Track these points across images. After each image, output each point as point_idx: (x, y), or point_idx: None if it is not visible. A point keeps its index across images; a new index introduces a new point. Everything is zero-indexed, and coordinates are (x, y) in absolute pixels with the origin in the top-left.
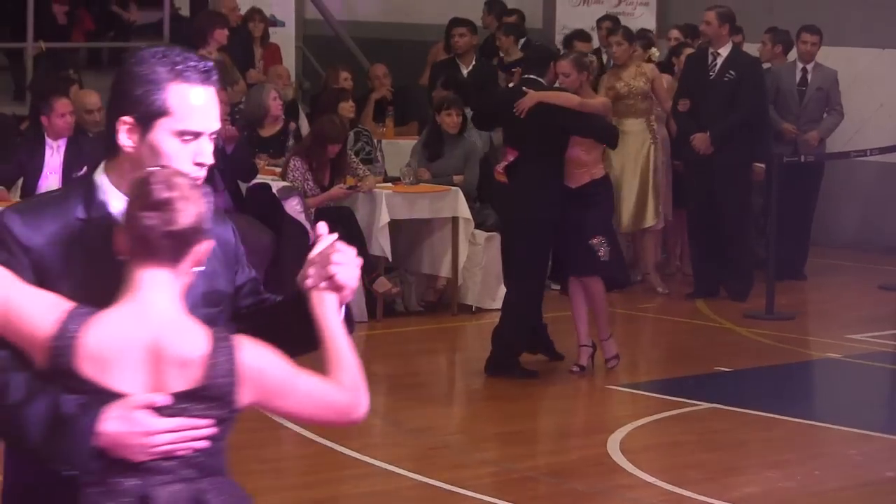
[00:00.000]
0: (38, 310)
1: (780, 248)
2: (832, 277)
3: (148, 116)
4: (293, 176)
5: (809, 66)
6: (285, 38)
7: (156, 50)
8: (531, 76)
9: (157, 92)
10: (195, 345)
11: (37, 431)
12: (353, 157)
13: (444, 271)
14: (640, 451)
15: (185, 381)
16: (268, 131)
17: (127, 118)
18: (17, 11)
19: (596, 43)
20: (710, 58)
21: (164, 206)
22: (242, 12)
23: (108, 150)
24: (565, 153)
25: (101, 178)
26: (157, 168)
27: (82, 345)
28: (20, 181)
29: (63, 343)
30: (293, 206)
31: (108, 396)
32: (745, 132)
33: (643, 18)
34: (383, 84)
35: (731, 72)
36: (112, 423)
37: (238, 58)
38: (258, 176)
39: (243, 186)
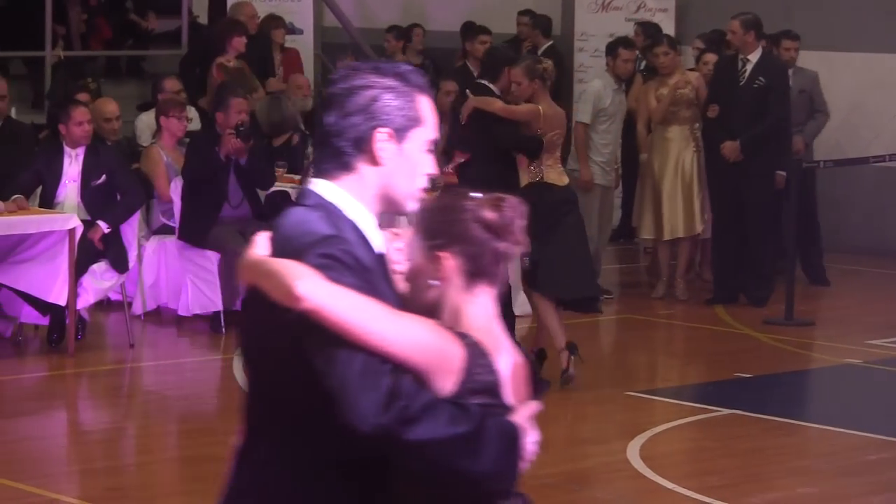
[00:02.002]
0: (433, 336)
1: (805, 255)
2: (852, 283)
3: (405, 127)
4: None
5: (790, 71)
6: (303, 46)
7: (384, 65)
8: (483, 81)
9: (412, 103)
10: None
11: (491, 455)
12: None
13: None
14: (660, 458)
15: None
16: (278, 140)
17: (384, 129)
18: (35, 20)
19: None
20: (740, 64)
21: (510, 230)
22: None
23: (342, 165)
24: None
25: (340, 196)
26: (477, 194)
27: (497, 370)
28: (39, 190)
29: (482, 367)
30: None
31: (504, 411)
32: (774, 139)
33: (662, 25)
34: None
35: (761, 78)
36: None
37: (256, 66)
38: (276, 184)
39: (261, 194)
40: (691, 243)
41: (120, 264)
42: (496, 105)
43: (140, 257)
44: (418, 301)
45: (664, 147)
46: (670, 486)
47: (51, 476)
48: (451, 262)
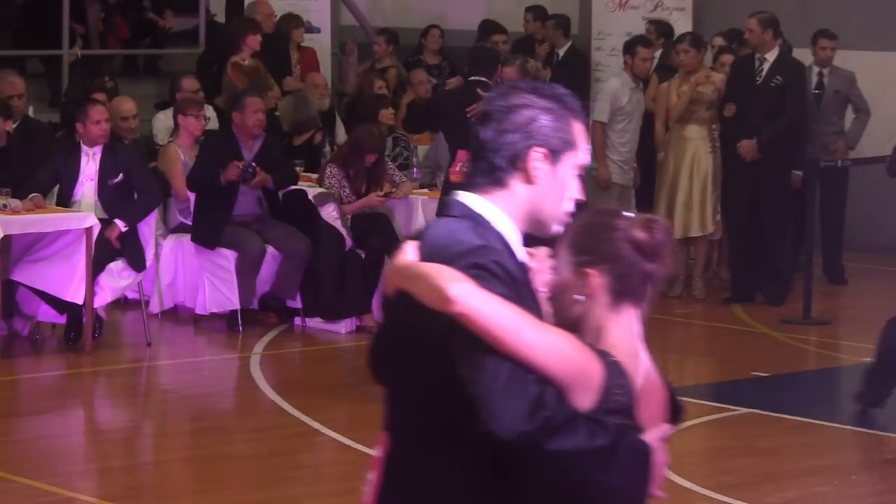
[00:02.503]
0: (575, 351)
1: (827, 254)
2: (870, 282)
3: (559, 149)
4: (330, 183)
5: (826, 70)
6: (321, 45)
7: (543, 86)
8: (479, 78)
9: (567, 126)
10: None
11: (624, 472)
12: (390, 163)
13: None
14: (677, 457)
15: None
16: (298, 139)
17: (540, 149)
18: (53, 19)
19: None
20: (757, 63)
21: (659, 251)
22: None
23: (495, 181)
24: None
25: (490, 209)
26: (629, 214)
27: (634, 391)
28: (56, 188)
29: (620, 388)
30: (329, 213)
31: (637, 432)
32: (790, 138)
33: (680, 23)
34: (426, 90)
35: (778, 77)
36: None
37: (273, 64)
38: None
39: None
40: (708, 242)
41: (137, 263)
42: None
43: (157, 256)
44: (562, 316)
45: (681, 146)
46: (687, 484)
47: (67, 474)
48: (597, 280)
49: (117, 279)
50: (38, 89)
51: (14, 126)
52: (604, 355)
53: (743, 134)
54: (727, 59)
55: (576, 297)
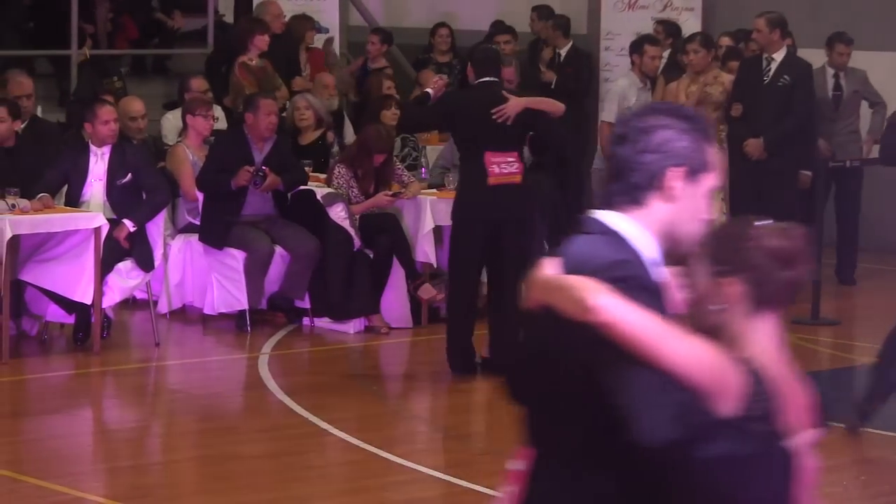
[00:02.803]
0: (717, 359)
1: (841, 255)
2: (878, 282)
3: (697, 169)
4: (338, 183)
5: (842, 73)
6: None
7: (676, 107)
8: (491, 78)
9: (702, 148)
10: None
11: (770, 478)
12: (398, 164)
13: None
14: None
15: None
16: (305, 139)
17: (678, 169)
18: (61, 19)
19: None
20: (765, 63)
21: (797, 258)
22: (287, 20)
23: (633, 199)
24: None
25: (628, 226)
26: (765, 222)
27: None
28: (65, 188)
29: (760, 395)
30: (337, 213)
31: (780, 439)
32: (797, 138)
33: (689, 24)
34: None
35: (786, 77)
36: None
37: (281, 64)
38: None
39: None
40: None
41: (145, 263)
42: (561, 107)
43: (165, 256)
44: (700, 326)
45: None
46: None
47: (76, 474)
48: (736, 289)
49: (126, 279)
50: (47, 89)
51: (23, 126)
52: (744, 363)
53: (750, 133)
54: (734, 65)
55: (714, 306)
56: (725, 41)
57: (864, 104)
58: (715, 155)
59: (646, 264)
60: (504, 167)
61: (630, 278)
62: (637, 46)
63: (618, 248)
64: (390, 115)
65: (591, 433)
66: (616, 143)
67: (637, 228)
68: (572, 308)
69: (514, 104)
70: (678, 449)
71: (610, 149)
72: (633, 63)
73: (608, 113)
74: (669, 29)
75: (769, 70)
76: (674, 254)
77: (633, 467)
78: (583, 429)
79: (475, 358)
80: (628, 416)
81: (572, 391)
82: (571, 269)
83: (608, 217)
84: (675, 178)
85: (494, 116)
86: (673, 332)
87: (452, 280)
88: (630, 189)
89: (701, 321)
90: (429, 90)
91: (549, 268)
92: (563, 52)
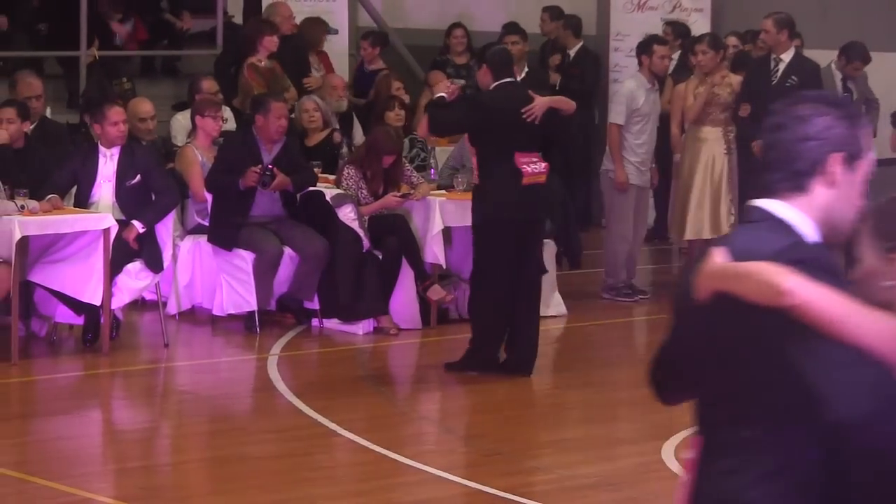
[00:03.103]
0: None
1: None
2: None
3: (855, 155)
4: (347, 184)
5: (850, 84)
6: (339, 46)
7: (830, 95)
8: (510, 79)
9: (858, 133)
10: None
11: None
12: (407, 165)
13: None
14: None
15: None
16: (311, 141)
17: (839, 154)
18: (71, 20)
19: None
20: (773, 63)
21: None
22: (298, 21)
23: (796, 186)
24: None
25: (792, 213)
26: None
27: None
28: (74, 189)
29: None
30: (346, 214)
31: None
32: None
33: (698, 24)
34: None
35: (794, 77)
36: None
37: (291, 65)
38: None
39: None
40: None
41: (154, 264)
42: (571, 104)
43: (174, 257)
44: (869, 302)
45: (696, 147)
46: None
47: (85, 475)
48: None
49: (135, 280)
50: (56, 90)
51: (32, 127)
52: None
53: (758, 134)
54: (734, 79)
55: (885, 282)
56: (732, 41)
57: None
58: (868, 140)
59: (818, 246)
60: (533, 167)
61: (809, 260)
62: (645, 47)
63: (787, 234)
64: (394, 117)
65: (772, 419)
66: (773, 132)
67: (799, 215)
68: (762, 293)
69: (541, 103)
70: (874, 421)
71: (765, 139)
72: (640, 63)
73: (616, 114)
74: (678, 30)
75: (777, 71)
76: (830, 240)
77: (820, 445)
78: (763, 414)
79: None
80: (823, 393)
81: (758, 375)
82: (742, 257)
83: (772, 205)
84: (835, 164)
85: (525, 116)
86: (860, 308)
87: (487, 281)
88: (793, 176)
89: (870, 298)
90: (443, 94)
91: (720, 257)
92: (573, 52)
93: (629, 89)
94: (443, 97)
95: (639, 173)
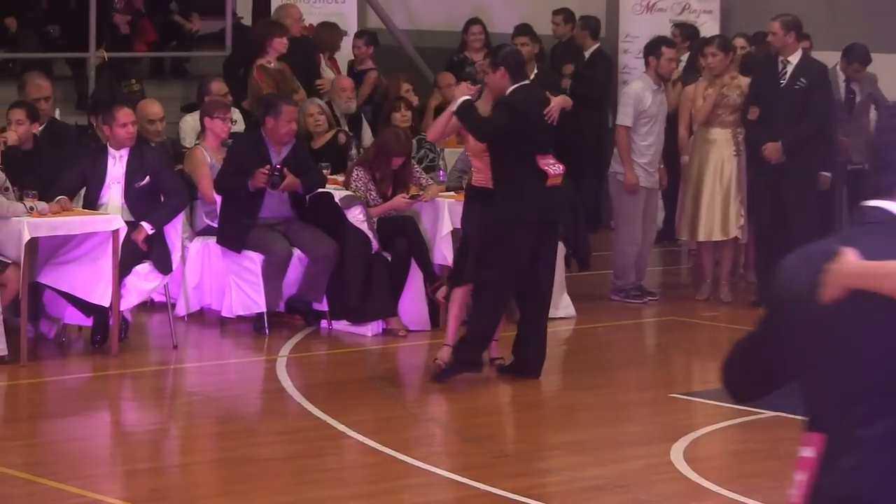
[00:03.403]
0: None
1: None
2: None
3: None
4: (356, 186)
5: (854, 85)
6: (348, 48)
7: None
8: (526, 81)
9: None
10: None
11: None
12: (416, 166)
13: None
14: (705, 460)
15: None
16: (317, 143)
17: None
18: (79, 21)
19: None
20: (780, 66)
21: None
22: (307, 22)
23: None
24: None
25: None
26: None
27: None
28: (83, 191)
29: None
30: (356, 216)
31: None
32: (816, 140)
33: (707, 26)
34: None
35: (802, 79)
36: None
37: (300, 67)
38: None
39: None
40: (735, 246)
41: (163, 265)
42: (569, 101)
43: (183, 258)
44: None
45: (705, 149)
46: (715, 488)
47: (94, 477)
48: None
49: (144, 282)
50: (65, 92)
51: (41, 129)
52: None
53: (768, 137)
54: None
55: None
56: (740, 42)
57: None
58: None
59: None
60: (555, 168)
61: None
62: (653, 48)
63: None
64: (400, 118)
65: None
66: (885, 134)
67: None
68: None
69: (557, 104)
70: None
71: (879, 140)
72: (647, 65)
73: (624, 116)
74: (687, 31)
75: (785, 73)
76: None
77: None
78: None
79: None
80: None
81: (892, 376)
82: (876, 257)
83: (885, 205)
84: None
85: (547, 118)
86: None
87: (499, 281)
88: (887, 175)
89: None
90: (468, 97)
91: (854, 257)
92: (588, 53)
93: (636, 91)
94: (470, 100)
95: (647, 175)
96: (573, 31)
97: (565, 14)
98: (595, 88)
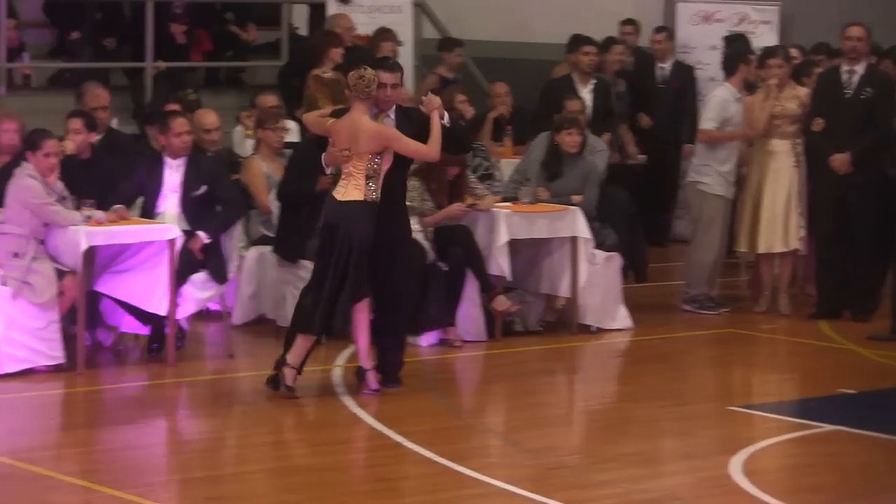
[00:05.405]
0: None
1: None
2: None
3: None
4: (411, 196)
5: None
6: (403, 58)
7: None
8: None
9: None
10: None
11: None
12: (472, 176)
13: (564, 291)
14: (763, 473)
15: None
16: None
17: None
18: (135, 31)
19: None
20: (846, 75)
21: None
22: (360, 31)
23: None
24: None
25: None
26: None
27: None
28: (140, 200)
29: None
30: (411, 226)
31: None
32: (880, 151)
33: (765, 37)
34: (504, 102)
35: (868, 89)
36: None
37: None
38: None
39: None
40: (794, 258)
41: (220, 275)
42: None
43: (239, 268)
44: None
45: (765, 160)
46: (773, 502)
47: (150, 485)
48: None
49: (200, 291)
50: (121, 101)
51: (98, 138)
52: None
53: (834, 148)
54: (801, 91)
55: None
56: (794, 52)
57: None
58: None
59: None
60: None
61: None
62: (743, 55)
63: None
64: None
65: None
66: None
67: None
68: None
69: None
70: None
71: None
72: (733, 72)
73: (708, 122)
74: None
75: (851, 83)
76: None
77: None
78: None
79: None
80: None
81: None
82: None
83: None
84: None
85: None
86: None
87: None
88: None
89: None
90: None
91: None
92: (668, 65)
93: (721, 98)
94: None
95: (726, 184)
96: (666, 40)
97: (635, 24)
98: (686, 105)
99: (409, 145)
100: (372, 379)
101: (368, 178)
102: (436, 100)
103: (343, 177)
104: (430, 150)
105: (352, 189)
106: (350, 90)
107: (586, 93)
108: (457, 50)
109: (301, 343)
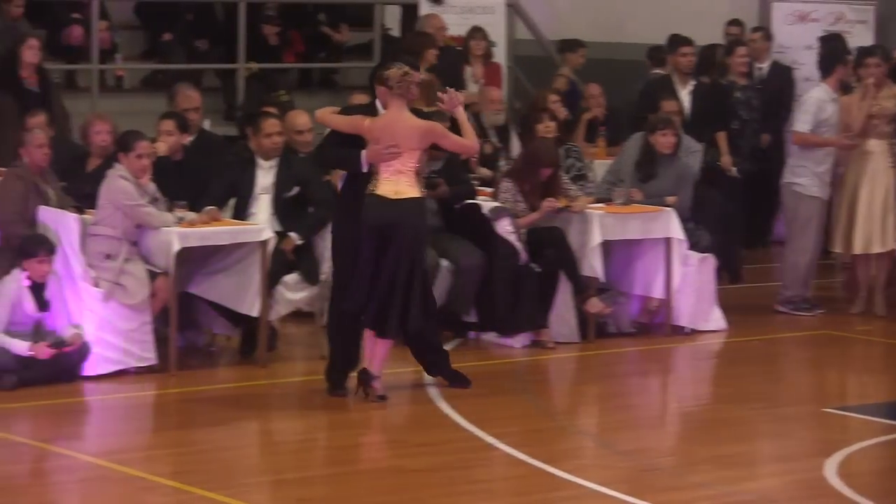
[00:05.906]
0: None
1: None
2: None
3: None
4: (504, 197)
5: None
6: (497, 59)
7: None
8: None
9: None
10: None
11: None
12: (565, 177)
13: (657, 292)
14: (858, 476)
15: None
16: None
17: None
18: (227, 32)
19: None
20: None
21: None
22: (453, 32)
23: None
24: None
25: None
26: None
27: None
28: (232, 201)
29: None
30: (504, 227)
31: None
32: None
33: (860, 37)
34: (598, 103)
35: None
36: None
37: (445, 77)
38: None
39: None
40: (890, 258)
41: (312, 276)
42: None
43: (331, 269)
44: None
45: (861, 160)
46: None
47: (242, 486)
48: None
49: (292, 292)
50: (214, 103)
51: (191, 139)
52: None
53: None
54: None
55: None
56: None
57: None
58: None
59: None
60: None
61: None
62: (841, 55)
63: None
64: (543, 129)
65: None
66: None
67: None
68: None
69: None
70: None
71: None
72: (830, 73)
73: (803, 123)
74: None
75: None
76: None
77: None
78: None
79: None
80: None
81: None
82: None
83: None
84: None
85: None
86: None
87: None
88: None
89: None
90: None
91: None
92: (766, 66)
93: (818, 98)
94: None
95: (822, 185)
96: (762, 39)
97: (741, 25)
98: (782, 104)
99: (456, 140)
100: (378, 385)
101: (418, 174)
102: (458, 96)
103: (386, 175)
104: (472, 143)
105: (404, 186)
106: (392, 87)
107: (685, 94)
108: (580, 50)
109: (381, 350)
